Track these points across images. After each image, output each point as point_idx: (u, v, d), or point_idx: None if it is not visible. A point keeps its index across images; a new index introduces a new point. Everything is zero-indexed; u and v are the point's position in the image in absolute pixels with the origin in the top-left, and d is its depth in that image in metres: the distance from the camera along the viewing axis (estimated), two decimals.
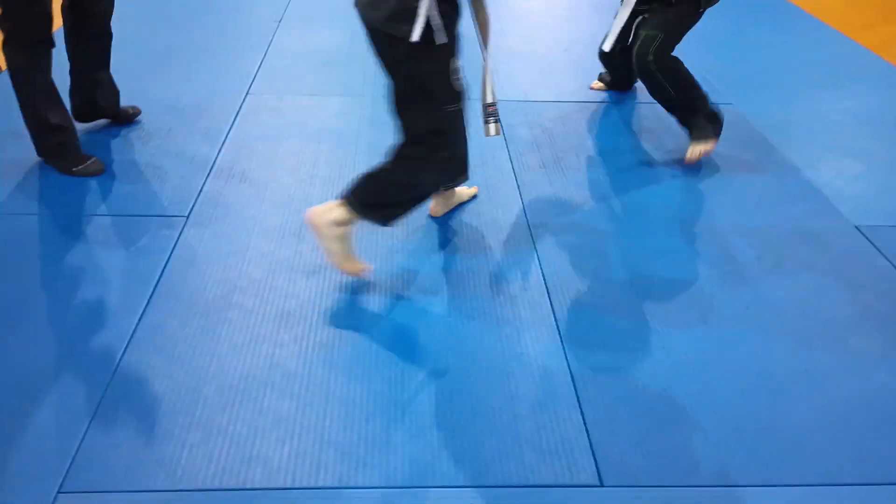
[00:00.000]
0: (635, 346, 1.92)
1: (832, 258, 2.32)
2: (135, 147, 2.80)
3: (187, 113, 3.09)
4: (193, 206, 2.45)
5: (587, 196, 2.63)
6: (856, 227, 2.50)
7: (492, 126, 1.94)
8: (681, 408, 1.74)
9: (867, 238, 2.43)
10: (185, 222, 2.36)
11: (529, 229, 2.41)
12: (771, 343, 1.96)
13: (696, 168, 2.82)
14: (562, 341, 1.93)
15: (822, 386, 1.82)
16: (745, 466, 1.60)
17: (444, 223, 2.44)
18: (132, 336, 1.88)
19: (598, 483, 1.55)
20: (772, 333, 1.99)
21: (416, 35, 1.71)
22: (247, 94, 3.29)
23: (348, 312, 2.01)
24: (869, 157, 2.96)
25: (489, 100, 1.94)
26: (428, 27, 1.72)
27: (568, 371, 1.84)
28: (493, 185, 2.66)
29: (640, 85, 3.28)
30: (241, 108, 3.16)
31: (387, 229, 2.26)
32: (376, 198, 1.99)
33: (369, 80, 3.47)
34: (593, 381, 1.81)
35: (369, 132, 3.01)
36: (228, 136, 2.92)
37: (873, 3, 5.02)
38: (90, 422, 1.64)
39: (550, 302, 2.05)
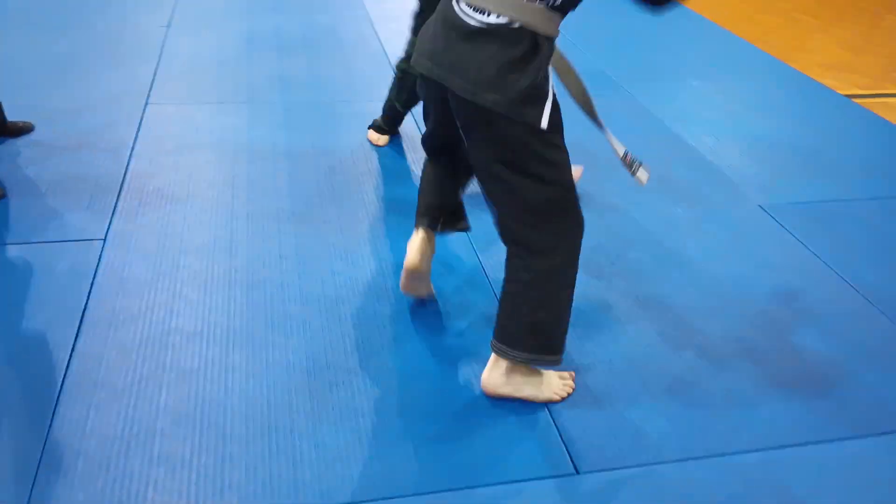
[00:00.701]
0: (586, 337, 1.98)
1: (745, 239, 2.48)
2: (34, 166, 2.60)
3: (85, 126, 2.89)
4: (109, 226, 2.30)
5: None
6: (759, 206, 2.68)
7: (642, 173, 1.69)
8: (638, 389, 1.81)
9: (772, 217, 2.61)
10: (104, 245, 2.21)
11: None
12: (706, 321, 2.07)
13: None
14: None
15: (760, 357, 1.95)
16: (704, 438, 1.68)
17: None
18: (66, 371, 1.74)
19: (574, 471, 1.59)
20: (705, 312, 2.10)
21: (544, 122, 1.50)
22: (146, 104, 3.12)
23: (298, 326, 1.95)
24: (764, 140, 3.18)
25: (622, 153, 1.69)
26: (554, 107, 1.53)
27: None
28: None
29: None
30: (142, 119, 2.99)
31: None
32: (561, 323, 1.71)
33: (274, 87, 3.38)
34: None
35: (285, 139, 2.92)
36: (134, 149, 2.76)
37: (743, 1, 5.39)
38: (36, 472, 1.50)
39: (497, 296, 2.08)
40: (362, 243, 2.31)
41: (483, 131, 1.56)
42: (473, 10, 1.47)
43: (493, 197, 1.66)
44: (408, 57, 2.70)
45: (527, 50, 1.46)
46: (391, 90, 2.86)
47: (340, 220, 2.42)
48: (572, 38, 4.14)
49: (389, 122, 2.93)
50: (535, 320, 1.66)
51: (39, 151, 2.69)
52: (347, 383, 1.77)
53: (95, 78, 3.32)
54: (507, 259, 1.69)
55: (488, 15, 1.45)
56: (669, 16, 4.76)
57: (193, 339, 1.88)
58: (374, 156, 2.85)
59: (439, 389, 1.78)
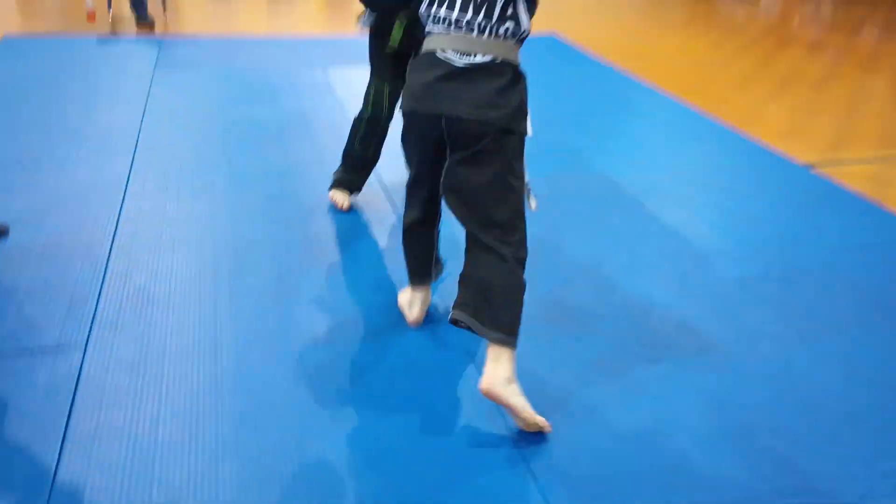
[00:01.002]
0: (560, 390, 1.98)
1: (724, 313, 2.52)
2: (9, 273, 2.55)
3: (61, 226, 2.86)
4: (89, 334, 2.26)
5: None
6: (734, 279, 2.73)
7: (532, 201, 1.99)
8: (613, 441, 1.82)
9: (747, 288, 2.67)
10: (84, 354, 2.17)
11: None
12: (690, 404, 2.08)
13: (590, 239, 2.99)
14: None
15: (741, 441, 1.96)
16: (679, 487, 1.68)
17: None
18: (49, 499, 1.68)
19: None
20: (691, 395, 2.12)
21: (530, 130, 1.93)
22: (123, 200, 3.11)
23: (288, 435, 1.92)
24: (733, 212, 3.27)
25: (527, 178, 1.98)
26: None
27: (504, 425, 1.91)
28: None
29: None
30: (119, 216, 2.97)
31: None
32: (518, 307, 1.93)
33: (251, 177, 3.40)
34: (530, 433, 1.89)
35: (263, 231, 2.93)
36: (112, 249, 2.73)
37: (695, 71, 5.62)
38: None
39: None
40: (351, 341, 2.30)
41: (483, 145, 1.87)
42: (460, 54, 1.86)
43: (479, 199, 1.92)
44: (372, 105, 2.93)
45: (510, 78, 1.86)
46: (354, 143, 3.03)
47: (326, 316, 2.41)
48: (536, 114, 4.27)
49: (357, 174, 3.11)
50: (517, 300, 1.93)
51: (14, 256, 2.65)
52: (328, 486, 1.74)
53: (70, 175, 3.30)
54: (482, 254, 1.93)
55: (475, 56, 1.85)
56: (626, 87, 4.91)
57: (181, 450, 1.83)
58: (356, 243, 2.88)
59: (419, 450, 1.75)
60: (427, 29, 1.94)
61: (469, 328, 1.90)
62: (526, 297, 1.93)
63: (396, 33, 2.57)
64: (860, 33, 7.20)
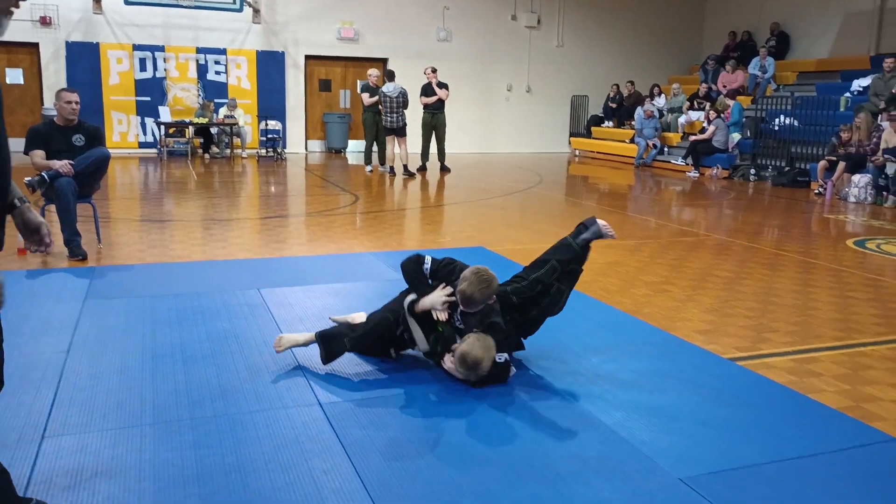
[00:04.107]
0: None
1: None
2: None
3: None
4: None
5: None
6: (679, 479, 2.72)
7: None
8: None
9: (693, 489, 2.65)
10: None
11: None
12: None
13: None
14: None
15: None
16: None
17: None
18: None
19: None
20: None
21: None
22: (42, 437, 2.94)
23: None
24: (667, 411, 3.32)
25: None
26: None
27: None
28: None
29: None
30: (37, 455, 2.80)
31: None
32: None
33: (181, 402, 3.30)
34: None
35: (193, 459, 2.79)
36: (27, 492, 2.54)
37: (616, 273, 5.96)
38: None
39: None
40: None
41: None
42: None
43: None
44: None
45: None
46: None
47: None
48: None
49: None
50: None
51: None
52: None
53: None
54: None
55: None
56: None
57: None
58: (295, 479, 2.76)
59: None
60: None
61: None
62: None
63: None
64: (760, 237, 7.87)
